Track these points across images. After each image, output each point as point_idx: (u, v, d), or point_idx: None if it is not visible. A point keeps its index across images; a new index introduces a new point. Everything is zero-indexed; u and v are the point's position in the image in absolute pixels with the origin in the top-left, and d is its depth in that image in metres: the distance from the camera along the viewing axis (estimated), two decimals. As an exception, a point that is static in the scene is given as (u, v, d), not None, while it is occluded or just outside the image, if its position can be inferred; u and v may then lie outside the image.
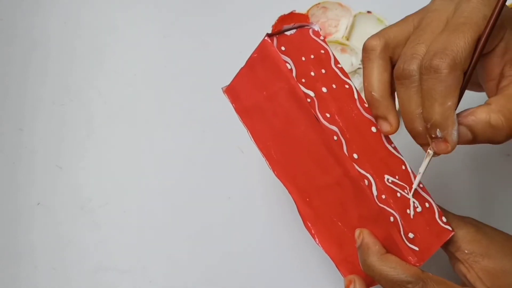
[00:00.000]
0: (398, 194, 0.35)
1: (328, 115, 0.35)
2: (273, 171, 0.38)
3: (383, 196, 0.35)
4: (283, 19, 0.52)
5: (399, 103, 0.34)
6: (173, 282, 0.50)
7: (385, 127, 0.35)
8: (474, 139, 0.33)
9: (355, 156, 0.35)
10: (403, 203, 0.35)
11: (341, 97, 0.36)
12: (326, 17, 0.53)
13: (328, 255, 0.38)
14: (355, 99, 0.37)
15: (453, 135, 0.32)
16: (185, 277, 0.50)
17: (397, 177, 0.36)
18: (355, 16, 0.52)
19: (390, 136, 0.37)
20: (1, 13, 0.56)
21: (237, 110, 0.39)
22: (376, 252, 0.34)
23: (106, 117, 0.54)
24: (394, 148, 0.37)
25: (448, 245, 0.36)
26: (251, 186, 0.51)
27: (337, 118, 0.35)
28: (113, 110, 0.54)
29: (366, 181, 0.34)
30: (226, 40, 0.55)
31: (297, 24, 0.37)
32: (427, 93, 0.32)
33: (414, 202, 0.36)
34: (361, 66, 0.51)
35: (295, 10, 0.52)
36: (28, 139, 0.53)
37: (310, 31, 0.38)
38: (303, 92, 0.34)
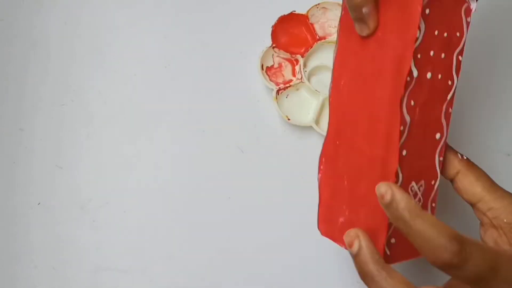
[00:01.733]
0: None
1: (412, 103, 0.33)
2: (329, 97, 0.37)
3: None
4: (283, 19, 0.52)
5: None
6: (173, 282, 0.50)
7: (363, 29, 0.34)
8: None
9: (404, 152, 0.34)
10: None
11: (437, 90, 0.35)
12: (326, 17, 0.53)
13: (320, 193, 0.38)
14: (446, 99, 0.35)
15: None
16: (185, 277, 0.50)
17: (421, 188, 0.35)
18: (355, 16, 0.52)
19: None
20: (1, 13, 0.56)
21: (342, 20, 0.36)
22: (414, 209, 0.31)
23: (106, 117, 0.54)
24: (440, 162, 0.36)
25: (488, 212, 0.36)
26: (251, 186, 0.51)
27: (417, 110, 0.34)
28: (113, 110, 0.54)
29: (395, 179, 0.34)
30: (226, 40, 0.55)
31: None
32: None
33: None
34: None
35: (295, 11, 0.53)
36: (28, 139, 0.53)
37: (465, 5, 0.35)
38: (410, 68, 0.32)
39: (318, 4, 0.53)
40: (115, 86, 0.54)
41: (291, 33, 0.53)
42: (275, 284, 0.49)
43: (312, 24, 0.53)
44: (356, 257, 0.34)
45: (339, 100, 0.37)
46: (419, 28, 0.32)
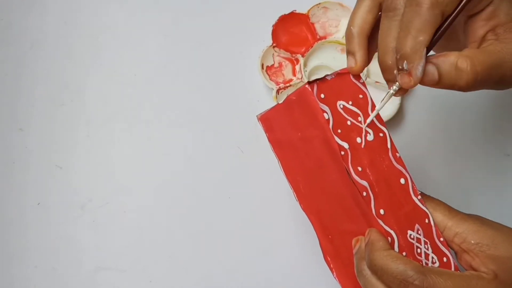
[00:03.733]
0: (418, 250, 0.36)
1: (360, 169, 0.35)
2: (300, 204, 0.39)
3: (404, 254, 0.35)
4: (283, 19, 0.52)
5: (379, 36, 0.35)
6: (173, 282, 0.50)
7: (350, 62, 0.37)
8: (440, 80, 0.33)
9: (382, 212, 0.36)
10: (422, 259, 0.36)
11: (375, 147, 0.36)
12: (326, 17, 0.53)
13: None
14: (388, 149, 0.37)
15: (418, 70, 0.33)
16: (185, 277, 0.50)
17: (420, 232, 0.36)
18: (355, 16, 0.52)
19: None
20: (1, 13, 0.56)
21: (270, 140, 0.39)
22: (380, 247, 0.34)
23: (106, 117, 0.54)
24: (420, 200, 0.37)
25: (454, 238, 0.36)
26: (251, 186, 0.51)
27: (368, 171, 0.36)
28: (113, 110, 0.54)
29: (389, 239, 0.35)
30: (226, 40, 0.55)
31: (338, 71, 0.37)
32: (404, 25, 0.33)
33: (432, 258, 0.36)
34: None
35: (295, 10, 0.52)
36: (28, 139, 0.53)
37: (351, 74, 0.38)
38: (338, 144, 0.35)
39: (319, 3, 0.53)
40: (115, 86, 0.54)
41: (292, 33, 0.53)
42: (275, 284, 0.49)
43: (312, 24, 0.53)
44: (365, 247, 0.36)
45: (308, 202, 0.39)
46: (325, 111, 0.35)
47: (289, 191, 0.51)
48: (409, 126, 0.52)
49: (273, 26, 0.52)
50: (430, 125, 0.52)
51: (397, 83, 0.34)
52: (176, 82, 0.54)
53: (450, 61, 0.33)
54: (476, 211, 0.49)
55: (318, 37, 0.53)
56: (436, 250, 0.36)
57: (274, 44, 0.52)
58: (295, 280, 0.49)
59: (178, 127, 0.53)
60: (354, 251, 0.36)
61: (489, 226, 0.36)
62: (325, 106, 0.35)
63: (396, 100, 0.51)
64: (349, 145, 0.35)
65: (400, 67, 0.33)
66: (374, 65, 0.52)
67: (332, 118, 0.35)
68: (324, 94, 0.36)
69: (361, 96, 0.37)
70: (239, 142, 0.52)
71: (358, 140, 0.36)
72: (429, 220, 0.37)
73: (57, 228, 0.51)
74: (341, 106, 0.36)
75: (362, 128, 0.36)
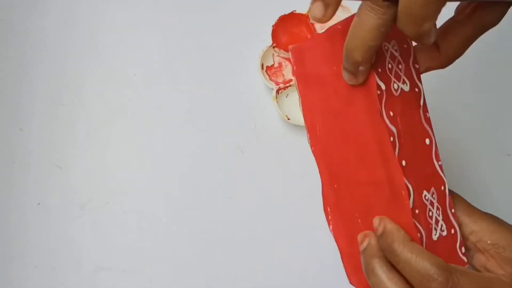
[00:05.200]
0: (430, 213, 0.35)
1: (391, 114, 0.34)
2: (311, 146, 0.37)
3: (417, 211, 0.34)
4: (283, 19, 0.52)
5: None
6: (173, 282, 0.50)
7: (318, 9, 0.31)
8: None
9: (404, 163, 0.34)
10: (432, 223, 0.35)
11: (409, 99, 0.35)
12: (326, 17, 0.53)
13: (337, 244, 0.38)
14: (420, 105, 0.35)
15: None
16: (185, 277, 0.50)
17: (434, 196, 0.35)
18: (355, 16, 0.52)
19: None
20: (1, 13, 0.56)
21: (297, 73, 0.37)
22: (402, 239, 0.33)
23: (106, 117, 0.54)
24: (440, 166, 0.36)
25: (470, 235, 0.36)
26: (251, 186, 0.51)
27: (398, 119, 0.34)
28: (113, 110, 0.54)
29: (407, 192, 0.33)
30: (226, 40, 0.55)
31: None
32: None
33: (442, 225, 0.35)
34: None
35: (295, 10, 0.52)
36: (28, 139, 0.53)
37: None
38: (376, 82, 0.33)
39: (319, 3, 0.53)
40: (115, 86, 0.54)
41: (292, 33, 0.53)
42: (275, 283, 0.49)
43: (312, 24, 0.53)
44: (381, 237, 0.34)
45: (321, 146, 0.37)
46: None
47: (289, 191, 0.51)
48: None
49: (273, 26, 0.52)
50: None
51: None
52: (176, 82, 0.54)
53: None
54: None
55: (318, 37, 0.53)
56: (447, 219, 0.35)
57: (274, 44, 0.52)
58: (295, 281, 0.49)
59: (178, 127, 0.53)
60: (361, 248, 0.35)
61: (506, 228, 0.35)
62: None
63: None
64: (385, 87, 0.33)
65: None
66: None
67: (377, 54, 0.33)
68: None
69: (405, 45, 0.35)
70: (239, 142, 0.52)
71: (395, 86, 0.34)
72: (445, 187, 0.35)
73: (57, 228, 0.51)
74: (386, 48, 0.34)
75: (401, 76, 0.34)
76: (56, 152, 0.53)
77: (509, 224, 0.36)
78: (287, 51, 0.53)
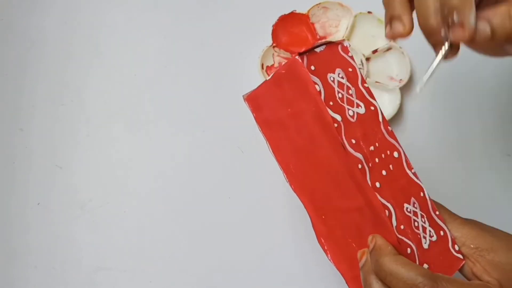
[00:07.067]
0: (416, 223, 0.35)
1: (353, 141, 0.35)
2: (290, 185, 0.38)
3: (402, 227, 0.35)
4: (283, 19, 0.52)
5: (415, 3, 0.33)
6: (173, 282, 0.50)
7: (398, 26, 0.33)
8: (493, 34, 0.31)
9: (377, 184, 0.35)
10: (420, 232, 0.35)
11: (367, 120, 0.36)
12: (326, 17, 0.53)
13: (339, 271, 0.38)
14: (380, 122, 0.36)
15: (471, 19, 0.30)
16: (185, 277, 0.50)
17: (416, 205, 0.36)
18: (355, 16, 0.52)
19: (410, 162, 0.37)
20: (1, 13, 0.56)
21: (258, 120, 0.38)
22: (388, 253, 0.34)
23: (106, 117, 0.54)
24: (414, 174, 0.37)
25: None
26: (251, 186, 0.51)
27: (362, 144, 0.35)
28: (113, 110, 0.54)
29: (387, 212, 0.34)
30: (226, 40, 0.55)
31: (327, 40, 0.36)
32: None
33: (430, 231, 0.36)
34: (362, 67, 0.51)
35: (295, 10, 0.52)
36: (28, 139, 0.53)
37: (339, 47, 0.37)
38: (331, 116, 0.34)
39: (319, 3, 0.53)
40: (115, 86, 0.54)
41: (292, 33, 0.53)
42: (275, 284, 0.49)
43: (312, 24, 0.53)
44: (371, 252, 0.35)
45: (299, 182, 0.38)
46: (316, 83, 0.34)
47: (289, 191, 0.51)
48: (409, 126, 0.52)
49: (273, 26, 0.52)
50: (430, 125, 0.52)
51: (446, 44, 0.32)
52: (176, 82, 0.54)
53: (502, 11, 0.30)
54: (476, 211, 0.49)
55: (318, 37, 0.53)
56: (433, 224, 0.36)
57: (274, 44, 0.52)
58: (295, 280, 0.49)
59: (178, 127, 0.53)
60: (360, 265, 0.36)
61: (487, 232, 0.36)
62: (316, 78, 0.34)
63: (396, 100, 0.51)
64: (341, 117, 0.34)
65: (450, 21, 0.30)
66: (374, 65, 0.52)
67: (324, 90, 0.34)
68: (314, 66, 0.35)
69: (350, 69, 0.36)
70: (239, 142, 0.52)
71: (350, 113, 0.35)
72: (424, 193, 0.36)
73: (57, 228, 0.51)
74: (332, 79, 0.35)
75: (353, 101, 0.36)
76: (56, 152, 0.53)
77: (491, 228, 0.36)
78: (287, 51, 0.53)
